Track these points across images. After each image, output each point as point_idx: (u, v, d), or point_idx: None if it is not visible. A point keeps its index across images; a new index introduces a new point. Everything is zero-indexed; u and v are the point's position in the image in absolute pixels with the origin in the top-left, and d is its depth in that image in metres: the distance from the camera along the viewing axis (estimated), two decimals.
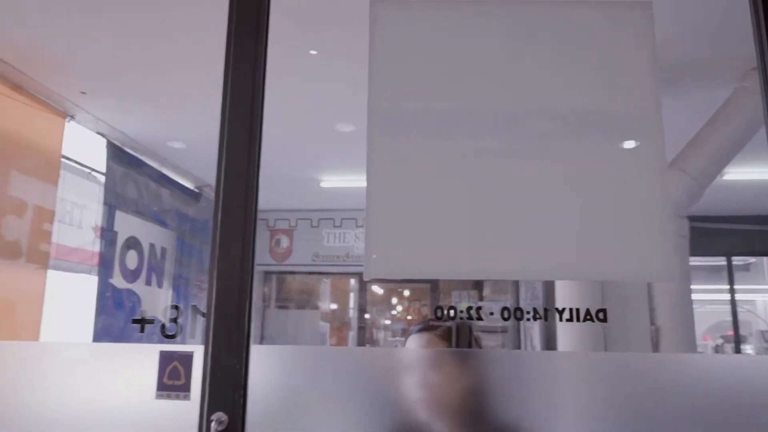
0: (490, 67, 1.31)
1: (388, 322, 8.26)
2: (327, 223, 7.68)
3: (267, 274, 7.80)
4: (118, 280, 5.04)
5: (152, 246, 5.65)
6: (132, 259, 5.29)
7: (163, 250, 5.87)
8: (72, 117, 4.36)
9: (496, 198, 1.23)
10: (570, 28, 1.31)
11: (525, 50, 1.31)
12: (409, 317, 8.15)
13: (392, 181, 1.24)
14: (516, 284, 6.67)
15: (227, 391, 1.13)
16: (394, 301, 8.42)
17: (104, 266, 4.94)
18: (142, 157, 5.15)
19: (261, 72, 1.30)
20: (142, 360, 1.21)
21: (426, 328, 1.38)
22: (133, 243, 5.28)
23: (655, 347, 3.12)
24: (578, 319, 1.17)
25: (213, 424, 1.09)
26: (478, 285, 7.30)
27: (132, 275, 5.28)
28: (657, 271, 1.19)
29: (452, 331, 1.32)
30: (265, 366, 1.13)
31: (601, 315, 1.19)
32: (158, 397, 1.15)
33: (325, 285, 8.26)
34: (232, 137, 1.28)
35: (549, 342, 5.60)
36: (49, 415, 1.22)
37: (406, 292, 8.39)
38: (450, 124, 1.27)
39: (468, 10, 1.31)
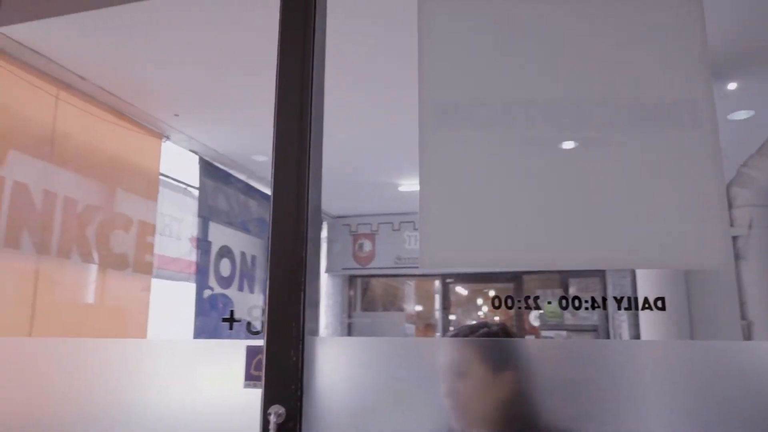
0: (542, 57, 1.33)
1: (473, 322, 8.24)
2: (407, 226, 7.79)
3: (352, 278, 8.02)
4: (213, 287, 5.40)
5: (243, 254, 5.98)
6: (225, 267, 5.61)
7: (253, 257, 6.18)
8: (167, 137, 4.73)
9: (549, 188, 1.25)
10: (620, 18, 1.33)
11: (574, 40, 1.32)
12: (496, 318, 8.12)
13: (445, 172, 1.27)
14: (603, 281, 6.51)
15: (284, 384, 1.19)
16: (480, 301, 8.42)
17: (201, 274, 5.30)
18: (231, 171, 5.47)
19: (309, 80, 1.41)
20: (232, 354, 1.36)
21: (459, 333, 1.39)
22: (225, 252, 5.61)
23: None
24: (636, 308, 1.20)
25: (272, 417, 1.14)
26: (563, 283, 7.18)
27: (226, 282, 5.61)
28: (710, 259, 1.20)
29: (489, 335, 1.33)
30: (323, 358, 1.21)
31: (659, 303, 1.22)
32: (246, 386, 1.29)
33: (410, 287, 8.38)
34: (282, 144, 1.39)
35: (637, 338, 5.44)
36: (156, 399, 1.40)
37: (491, 293, 8.36)
38: (501, 114, 1.29)
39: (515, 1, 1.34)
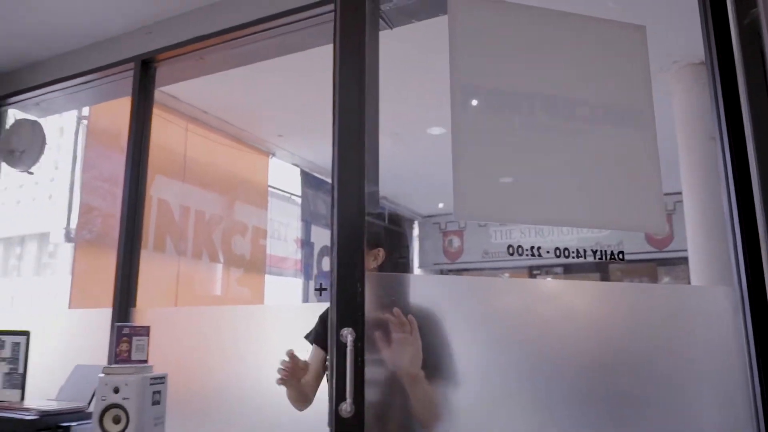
0: (540, 59, 1.73)
1: None
2: (493, 222, 8.20)
3: (442, 273, 8.55)
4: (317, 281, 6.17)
5: None
6: (326, 264, 6.36)
7: None
8: (273, 154, 5.54)
9: (546, 162, 1.68)
10: (590, 38, 1.76)
11: (563, 51, 1.76)
12: None
13: (472, 144, 1.68)
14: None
15: (352, 308, 1.57)
16: None
17: (306, 271, 6.10)
18: (328, 180, 6.20)
19: (363, 86, 1.85)
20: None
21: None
22: (326, 251, 6.36)
23: None
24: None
25: (346, 334, 1.52)
26: (651, 272, 7.32)
27: (327, 277, 6.36)
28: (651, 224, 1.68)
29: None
30: (382, 291, 1.61)
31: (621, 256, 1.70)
32: None
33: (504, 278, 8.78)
34: (343, 148, 1.80)
35: None
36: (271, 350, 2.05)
37: None
38: (511, 100, 1.70)
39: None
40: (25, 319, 2.87)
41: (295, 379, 1.76)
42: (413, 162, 5.74)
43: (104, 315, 2.65)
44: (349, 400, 1.48)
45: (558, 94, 1.74)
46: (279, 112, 4.69)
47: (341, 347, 1.54)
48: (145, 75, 2.74)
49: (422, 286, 1.74)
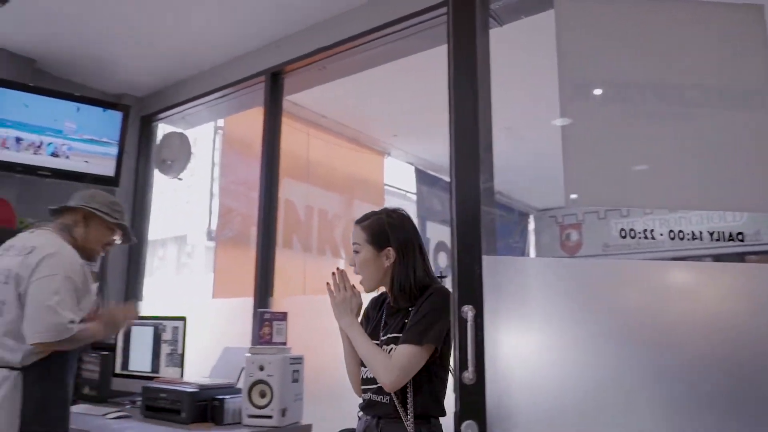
0: (651, 49, 1.73)
1: None
2: (614, 214, 7.90)
3: None
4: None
5: None
6: (442, 259, 6.47)
7: None
8: (388, 154, 5.75)
9: (662, 148, 1.67)
10: (705, 24, 1.74)
11: (675, 37, 1.75)
12: None
13: (581, 132, 1.71)
14: None
15: (471, 287, 1.67)
16: None
17: None
18: (441, 176, 6.31)
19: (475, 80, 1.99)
20: None
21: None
22: (442, 246, 6.46)
23: None
24: None
25: (467, 310, 1.61)
26: None
27: (442, 273, 6.46)
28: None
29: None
30: (497, 272, 1.71)
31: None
32: None
33: None
34: (459, 145, 1.97)
35: None
36: None
37: None
38: (621, 91, 1.72)
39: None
40: (178, 308, 3.26)
41: (342, 301, 1.76)
42: (527, 155, 5.72)
43: (246, 303, 2.96)
44: (471, 368, 1.63)
45: (671, 82, 1.74)
46: (393, 114, 4.86)
47: (462, 322, 1.68)
48: (274, 86, 3.03)
49: (536, 268, 1.82)
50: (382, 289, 1.82)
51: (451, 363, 1.61)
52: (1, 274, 1.96)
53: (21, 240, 2.02)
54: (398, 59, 2.90)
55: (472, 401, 1.64)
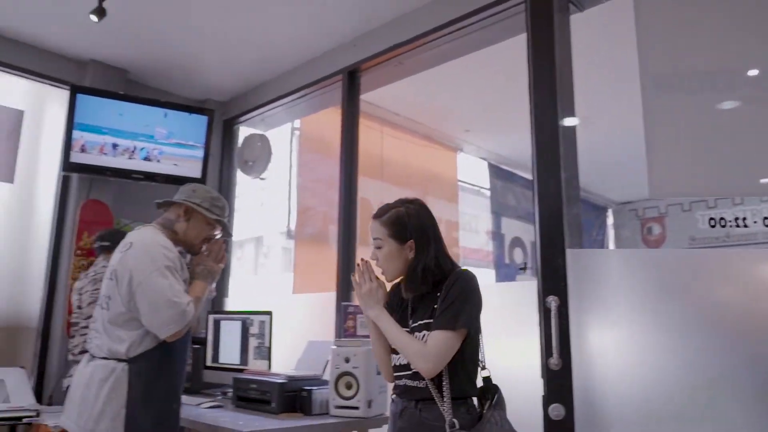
0: (742, 30, 1.66)
1: None
2: (700, 206, 7.52)
3: None
4: (509, 272, 6.21)
5: (533, 243, 6.63)
6: (518, 255, 6.36)
7: None
8: (461, 150, 5.71)
9: (751, 133, 1.61)
10: None
11: (765, 21, 1.67)
12: None
13: (665, 123, 1.69)
14: None
15: (555, 279, 1.82)
16: None
17: (497, 262, 6.18)
18: (515, 171, 6.21)
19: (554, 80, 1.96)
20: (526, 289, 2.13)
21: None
22: (517, 242, 6.36)
23: None
24: None
25: (551, 301, 1.78)
26: None
27: (520, 268, 6.36)
28: None
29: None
30: (581, 264, 1.81)
31: None
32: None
33: None
34: (540, 137, 1.98)
35: None
36: None
37: None
38: (702, 80, 1.68)
39: None
40: (261, 304, 3.37)
41: (368, 290, 1.74)
42: (604, 147, 5.54)
43: (327, 298, 3.02)
44: (555, 355, 1.75)
45: (756, 68, 1.65)
46: (466, 109, 4.83)
47: (547, 312, 1.82)
48: (351, 85, 3.07)
49: (621, 260, 1.80)
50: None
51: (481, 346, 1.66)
52: (108, 271, 2.06)
53: (126, 238, 2.10)
54: (474, 52, 2.88)
55: (558, 385, 1.75)
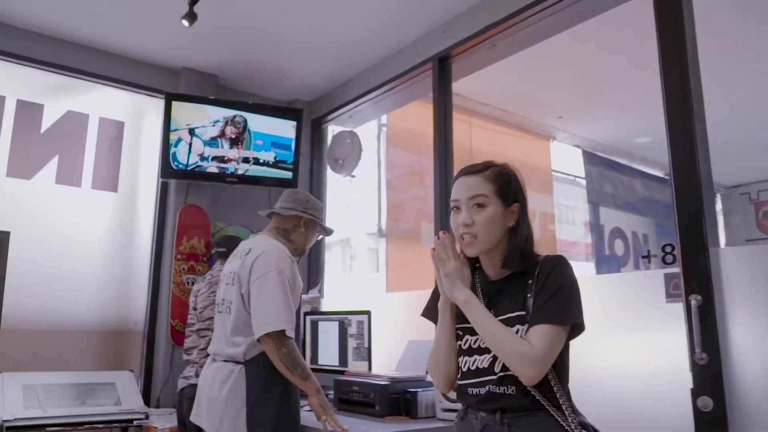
0: None
1: None
2: None
3: None
4: (610, 266, 5.87)
5: (634, 233, 6.26)
6: (619, 247, 6.01)
7: (645, 236, 6.40)
8: (554, 138, 5.45)
9: None
10: None
11: None
12: None
13: None
14: None
15: (698, 278, 1.71)
16: None
17: (598, 254, 5.84)
18: (612, 157, 5.87)
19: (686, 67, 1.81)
20: (653, 280, 1.94)
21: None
22: (618, 233, 6.01)
23: None
24: None
25: (692, 301, 1.68)
26: None
27: (620, 261, 6.01)
28: None
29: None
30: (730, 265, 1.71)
31: None
32: (667, 301, 1.85)
33: None
34: (673, 127, 1.86)
35: None
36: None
37: None
38: None
39: None
40: (356, 304, 3.30)
41: (448, 266, 1.41)
42: (712, 126, 5.12)
43: (425, 295, 2.89)
44: (698, 350, 1.73)
45: None
46: (558, 94, 4.60)
47: (689, 309, 1.76)
48: (442, 72, 2.94)
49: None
50: None
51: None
52: (228, 277, 2.15)
53: (243, 245, 2.20)
54: (572, 27, 2.67)
55: (706, 379, 1.75)
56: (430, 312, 1.52)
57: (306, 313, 3.16)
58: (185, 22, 2.67)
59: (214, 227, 3.46)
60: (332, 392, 2.54)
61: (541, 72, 4.08)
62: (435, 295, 1.50)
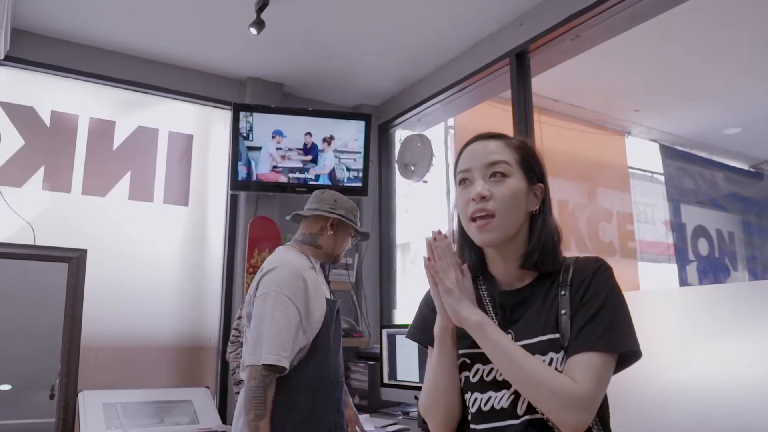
0: None
1: None
2: None
3: None
4: (691, 269, 5.51)
5: (719, 232, 5.87)
6: (703, 247, 5.64)
7: (730, 234, 5.99)
8: (629, 133, 5.15)
9: None
10: None
11: None
12: None
13: None
14: None
15: None
16: None
17: (680, 255, 5.49)
18: (691, 151, 5.52)
19: None
20: None
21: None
22: (701, 231, 5.64)
23: None
24: None
25: None
26: None
27: (705, 261, 5.63)
28: None
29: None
30: None
31: None
32: None
33: None
34: None
35: None
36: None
37: None
38: None
39: None
40: None
41: (444, 279, 1.07)
42: None
43: None
44: None
45: None
46: (635, 87, 4.35)
47: None
48: (520, 68, 2.77)
49: None
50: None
51: None
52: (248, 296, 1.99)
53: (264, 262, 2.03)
54: (667, 11, 2.44)
55: None
56: (420, 333, 1.18)
57: (382, 327, 3.04)
58: (253, 30, 2.60)
59: (284, 238, 3.39)
60: (415, 410, 2.41)
61: (617, 63, 3.84)
62: (423, 313, 1.19)
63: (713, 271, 5.55)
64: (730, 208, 5.99)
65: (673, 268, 5.53)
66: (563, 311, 1.01)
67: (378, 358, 3.00)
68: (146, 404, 2.83)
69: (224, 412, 3.16)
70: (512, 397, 1.02)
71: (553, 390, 0.94)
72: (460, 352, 1.09)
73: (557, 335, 1.00)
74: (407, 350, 2.84)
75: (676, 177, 5.61)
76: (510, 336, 1.04)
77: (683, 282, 5.43)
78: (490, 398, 1.04)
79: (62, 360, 2.71)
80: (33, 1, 2.70)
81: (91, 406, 2.67)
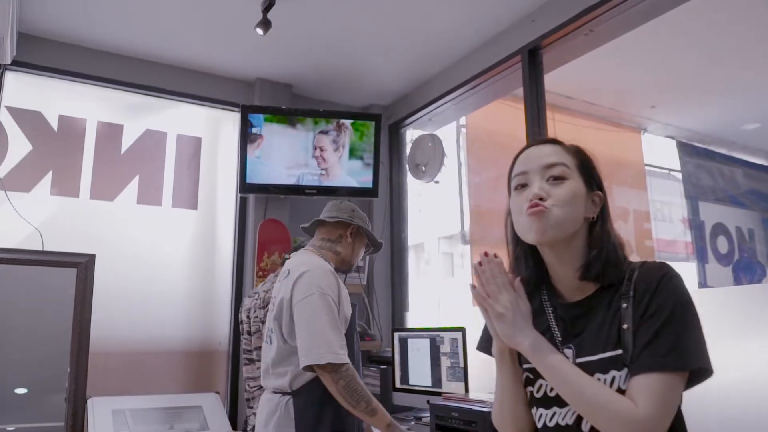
0: None
1: None
2: None
3: None
4: (713, 266, 5.39)
5: (739, 229, 5.75)
6: (722, 244, 5.52)
7: (750, 231, 5.87)
8: (645, 129, 5.05)
9: None
10: None
11: None
12: None
13: None
14: None
15: None
16: None
17: (699, 253, 5.37)
18: (709, 147, 5.41)
19: None
20: None
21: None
22: (720, 229, 5.53)
23: None
24: None
25: None
26: None
27: (725, 259, 5.52)
28: None
29: None
30: None
31: None
32: None
33: None
34: None
35: None
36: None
37: None
38: None
39: None
40: (446, 319, 3.09)
41: (495, 303, 1.05)
42: None
43: None
44: None
45: None
46: (651, 82, 4.26)
47: None
48: (532, 65, 2.70)
49: None
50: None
51: None
52: (271, 304, 1.98)
53: (284, 266, 2.04)
54: (685, 2, 2.36)
55: None
56: (488, 344, 1.16)
57: (393, 330, 2.99)
58: (259, 31, 2.56)
59: (294, 242, 3.34)
60: (427, 415, 2.36)
61: (632, 58, 3.76)
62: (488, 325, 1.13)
63: (748, 270, 5.45)
64: (750, 205, 5.86)
65: (692, 266, 5.42)
66: (625, 325, 0.96)
67: (390, 362, 2.95)
68: (155, 410, 2.80)
69: (234, 418, 3.12)
70: (576, 414, 0.99)
71: (610, 414, 0.90)
72: (524, 367, 1.09)
73: (619, 351, 0.95)
74: (419, 354, 2.78)
75: (693, 174, 5.50)
76: (571, 351, 1.01)
77: (702, 280, 5.32)
78: (554, 414, 1.03)
79: (71, 365, 2.69)
80: (39, 5, 2.68)
81: (100, 412, 2.64)
